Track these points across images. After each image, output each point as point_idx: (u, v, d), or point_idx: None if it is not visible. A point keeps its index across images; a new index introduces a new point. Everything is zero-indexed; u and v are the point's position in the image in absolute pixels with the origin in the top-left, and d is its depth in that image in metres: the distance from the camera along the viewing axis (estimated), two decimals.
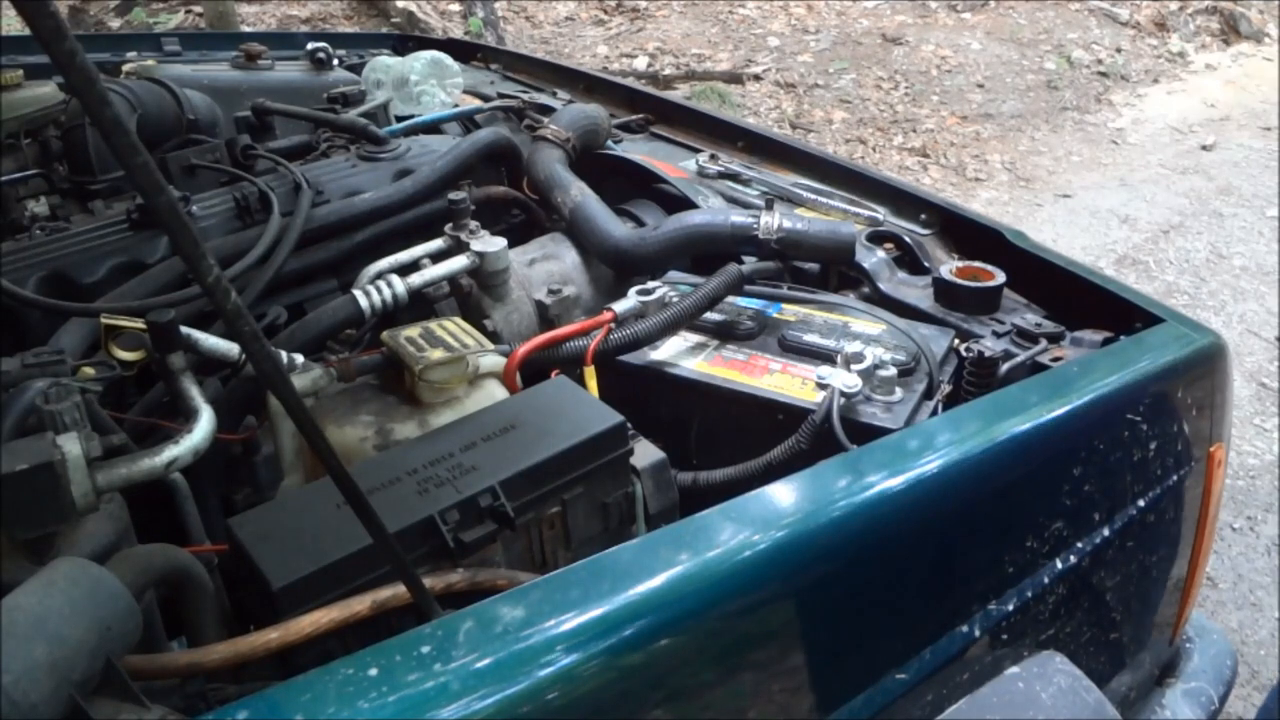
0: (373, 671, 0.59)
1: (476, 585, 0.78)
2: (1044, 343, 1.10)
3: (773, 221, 1.23)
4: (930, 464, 0.83)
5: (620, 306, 1.14)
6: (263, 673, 0.72)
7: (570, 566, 0.69)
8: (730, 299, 1.17)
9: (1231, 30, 6.92)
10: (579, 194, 1.39)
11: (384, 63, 1.88)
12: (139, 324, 0.91)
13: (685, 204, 1.44)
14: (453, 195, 1.28)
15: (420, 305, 1.23)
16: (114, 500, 0.80)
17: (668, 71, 5.74)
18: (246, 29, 5.78)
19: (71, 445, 0.69)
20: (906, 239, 1.34)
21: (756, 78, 5.71)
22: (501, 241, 1.25)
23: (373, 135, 1.52)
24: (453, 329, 1.01)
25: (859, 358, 1.01)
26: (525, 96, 1.88)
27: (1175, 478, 1.05)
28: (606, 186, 1.46)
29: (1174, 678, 1.25)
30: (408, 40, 2.51)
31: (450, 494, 0.80)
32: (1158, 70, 6.34)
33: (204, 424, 0.80)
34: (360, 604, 0.72)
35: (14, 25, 5.22)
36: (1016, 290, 1.23)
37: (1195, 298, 3.67)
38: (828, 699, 0.79)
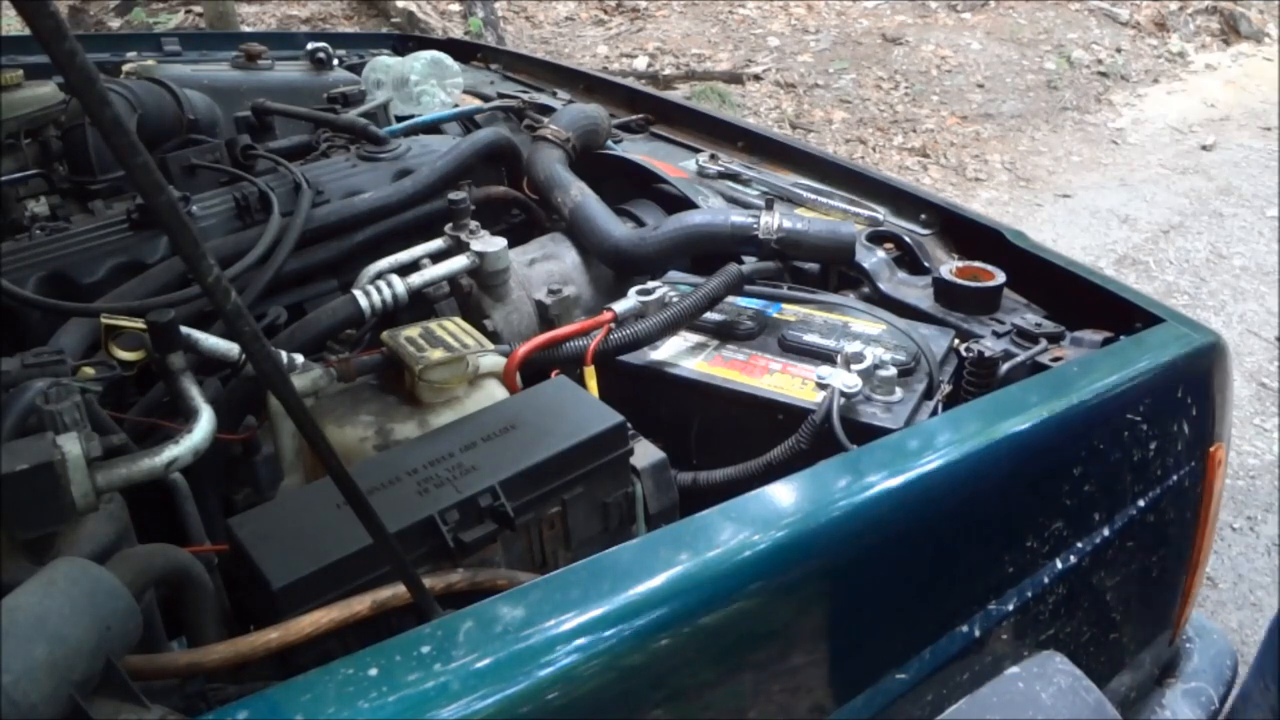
0: (373, 671, 0.59)
1: (476, 585, 0.78)
2: (1044, 343, 1.10)
3: (773, 221, 1.23)
4: (930, 464, 0.83)
5: (620, 306, 1.14)
6: (263, 673, 0.72)
7: (570, 566, 0.69)
8: (730, 299, 1.17)
9: (1231, 30, 6.92)
10: (579, 194, 1.39)
11: (384, 63, 1.88)
12: (139, 324, 0.91)
13: (685, 204, 1.44)
14: (453, 195, 1.28)
15: (420, 305, 1.23)
16: (114, 500, 0.80)
17: (668, 71, 5.74)
18: (246, 29, 5.78)
19: (71, 445, 0.69)
20: (906, 239, 1.34)
21: (756, 78, 5.71)
22: (501, 241, 1.25)
23: (373, 135, 1.52)
24: (453, 329, 1.01)
25: (859, 358, 1.01)
26: (525, 96, 1.88)
27: (1175, 478, 1.05)
28: (606, 186, 1.46)
29: (1174, 678, 1.25)
30: (408, 40, 2.51)
31: (450, 494, 0.80)
32: (1158, 70, 6.35)
33: (204, 424, 0.80)
34: (360, 604, 0.72)
35: (14, 25, 5.22)
36: (1016, 290, 1.23)
37: (1195, 298, 3.67)
38: (828, 699, 0.79)
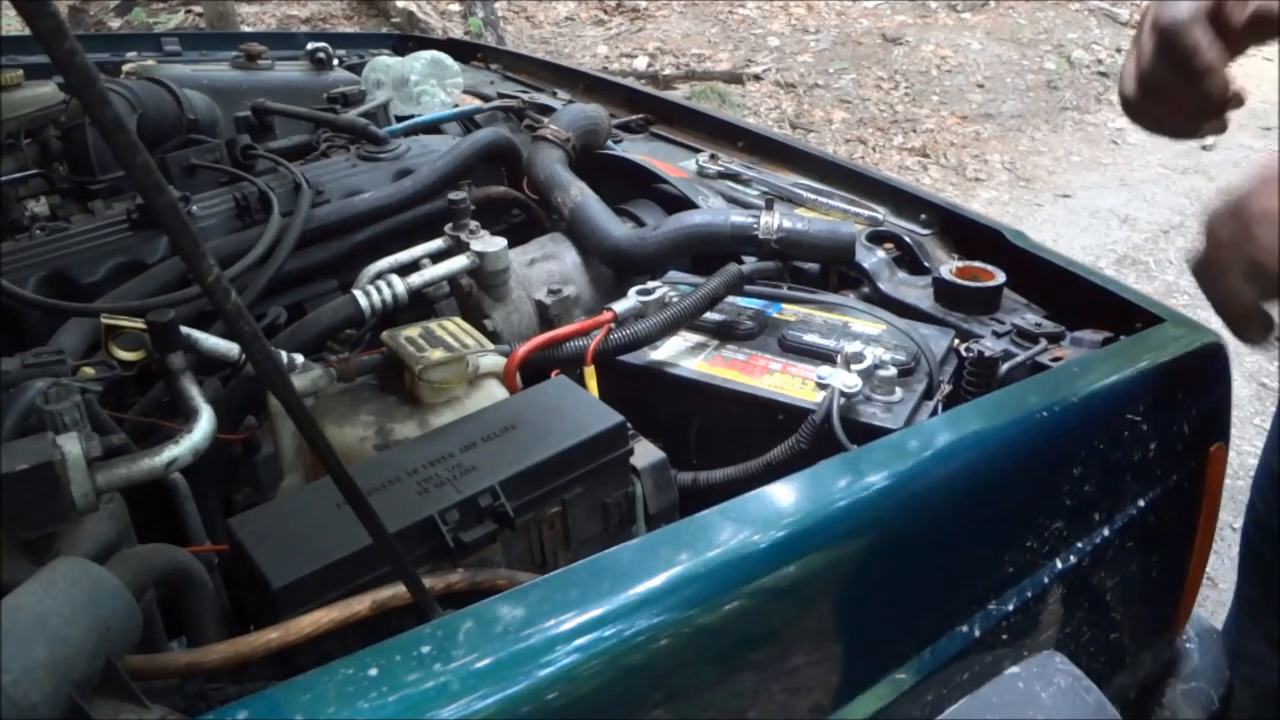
0: (373, 671, 0.59)
1: (476, 585, 0.78)
2: (1044, 343, 1.10)
3: (773, 221, 1.23)
4: (930, 464, 0.83)
5: (620, 306, 1.14)
6: (263, 673, 0.72)
7: (570, 566, 0.69)
8: (730, 299, 1.17)
9: None
10: (579, 194, 1.39)
11: (384, 63, 1.88)
12: (139, 324, 0.91)
13: (685, 204, 1.44)
14: (453, 195, 1.28)
15: (420, 305, 1.23)
16: (114, 500, 0.80)
17: (668, 71, 5.74)
18: (246, 29, 5.78)
19: (71, 445, 0.69)
20: (906, 239, 1.34)
21: (756, 78, 5.71)
22: (501, 241, 1.25)
23: (373, 135, 1.52)
24: (453, 329, 1.01)
25: (859, 358, 1.01)
26: (525, 96, 1.88)
27: (1175, 477, 1.05)
28: (606, 186, 1.45)
29: (1174, 678, 1.25)
30: (408, 40, 2.51)
31: (450, 494, 0.80)
32: None
33: (204, 424, 0.80)
34: (360, 604, 0.72)
35: (14, 25, 5.22)
36: (1016, 290, 1.23)
37: (1195, 298, 3.63)
38: (828, 699, 0.79)
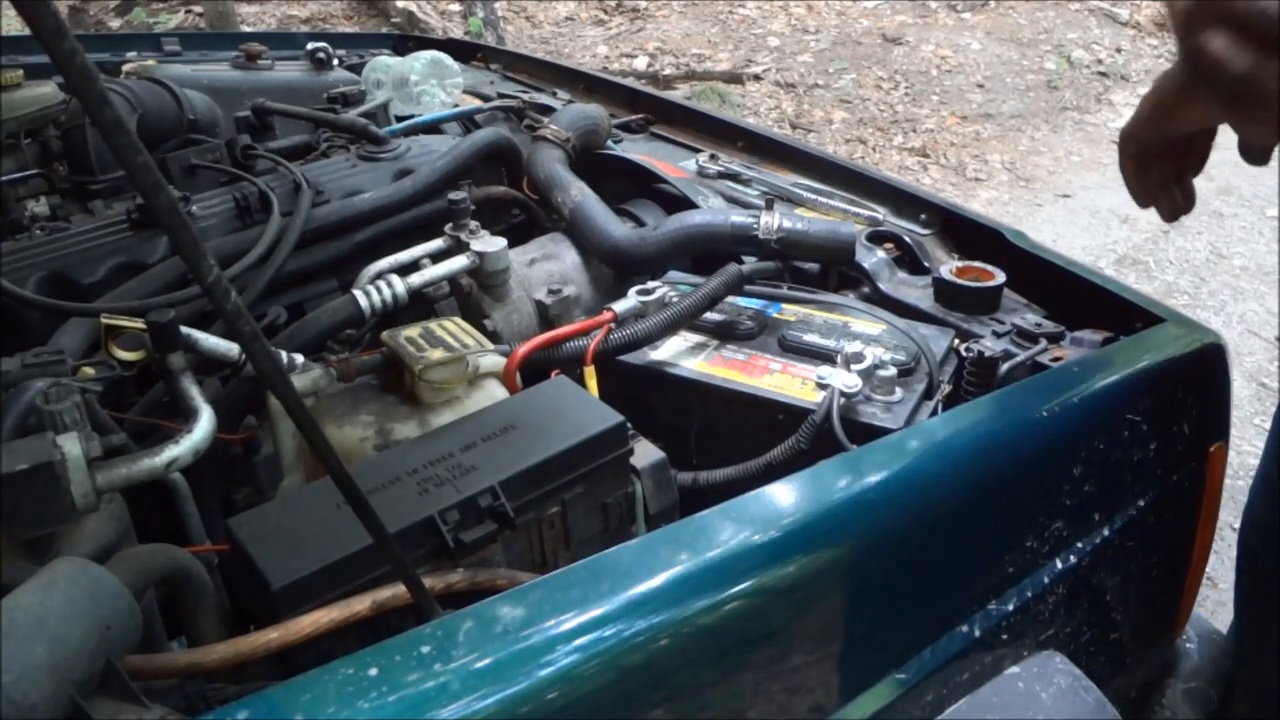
0: (373, 671, 0.59)
1: (476, 585, 0.78)
2: (1044, 343, 1.10)
3: (773, 221, 1.23)
4: (930, 464, 0.83)
5: (620, 306, 1.14)
6: (263, 673, 0.72)
7: (570, 566, 0.69)
8: (730, 299, 1.17)
9: None
10: (579, 194, 1.39)
11: (384, 63, 1.88)
12: (139, 324, 0.91)
13: (685, 204, 1.44)
14: (453, 195, 1.28)
15: (420, 305, 1.23)
16: (114, 500, 0.80)
17: (668, 71, 5.74)
18: (246, 29, 5.78)
19: (71, 445, 0.69)
20: (906, 239, 1.34)
21: (756, 78, 5.71)
22: (501, 241, 1.25)
23: (373, 135, 1.52)
24: (453, 329, 1.01)
25: (859, 358, 1.02)
26: (525, 96, 1.88)
27: (1175, 477, 1.05)
28: (606, 186, 1.45)
29: (1174, 678, 1.25)
30: (408, 40, 2.51)
31: (450, 494, 0.80)
32: (1158, 70, 6.33)
33: (204, 424, 0.80)
34: (360, 604, 0.72)
35: (14, 25, 5.22)
36: (1016, 290, 1.23)
37: (1195, 298, 3.67)
38: (828, 699, 0.79)
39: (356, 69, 2.02)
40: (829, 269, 1.31)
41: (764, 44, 6.22)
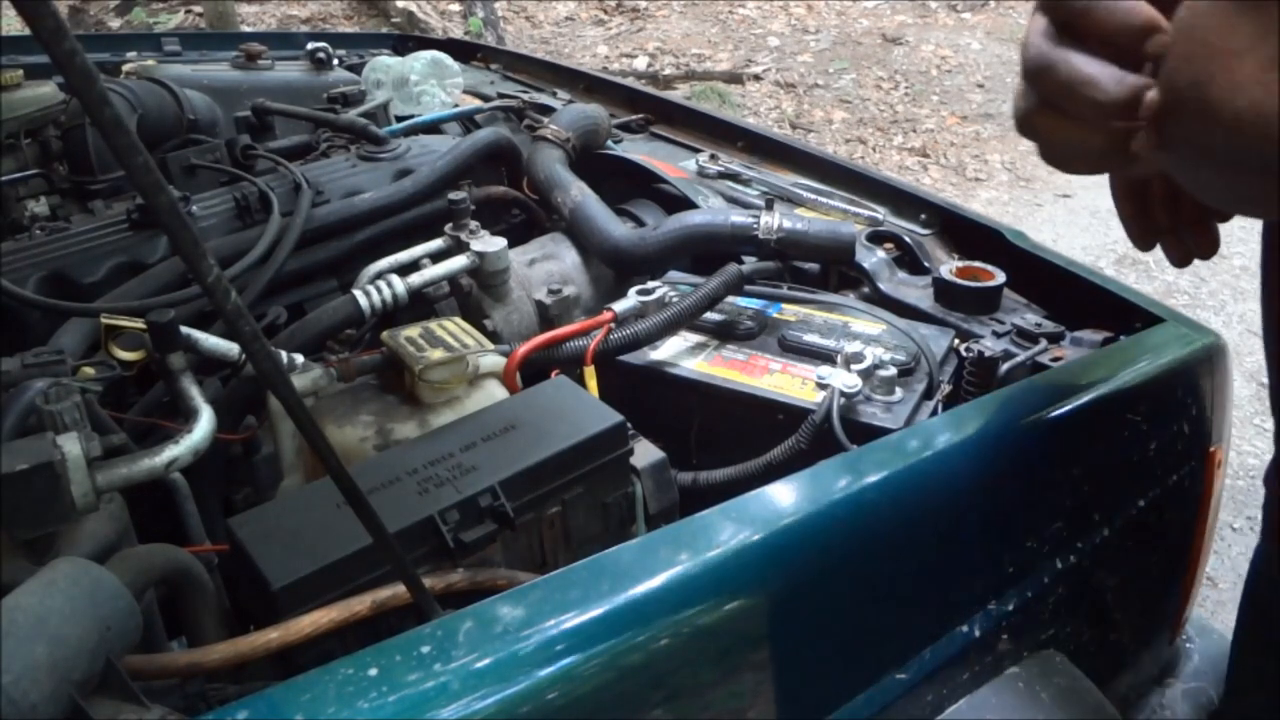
0: (373, 671, 0.59)
1: (476, 585, 0.78)
2: (1044, 343, 1.10)
3: (773, 221, 1.23)
4: (930, 464, 0.83)
5: (620, 306, 1.14)
6: (263, 673, 0.72)
7: (570, 566, 0.69)
8: (730, 299, 1.17)
9: None
10: (579, 194, 1.39)
11: (384, 63, 1.88)
12: (139, 324, 0.91)
13: (685, 204, 1.44)
14: (453, 195, 1.28)
15: (420, 305, 1.23)
16: (114, 500, 0.80)
17: (668, 71, 5.74)
18: (246, 29, 5.78)
19: (71, 445, 0.69)
20: (906, 239, 1.34)
21: (756, 78, 5.71)
22: (501, 241, 1.25)
23: (373, 135, 1.52)
24: (453, 329, 1.01)
25: (859, 358, 1.02)
26: (525, 96, 1.88)
27: (1175, 478, 1.05)
28: (606, 186, 1.46)
29: (1174, 678, 1.25)
30: (408, 40, 2.51)
31: (450, 494, 0.80)
32: None
33: (204, 424, 0.80)
34: (360, 604, 0.72)
35: (14, 25, 5.22)
36: (1016, 290, 1.23)
37: (1195, 298, 3.67)
38: (828, 699, 0.79)
39: (356, 69, 2.02)
40: (829, 269, 1.31)
41: (764, 44, 6.23)
